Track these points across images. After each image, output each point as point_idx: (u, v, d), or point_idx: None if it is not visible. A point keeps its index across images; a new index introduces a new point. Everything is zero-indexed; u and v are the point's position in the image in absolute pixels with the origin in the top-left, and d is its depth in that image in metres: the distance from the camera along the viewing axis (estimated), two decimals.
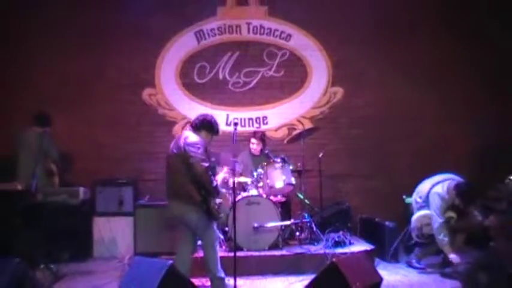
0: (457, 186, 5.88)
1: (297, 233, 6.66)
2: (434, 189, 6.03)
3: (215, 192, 5.02)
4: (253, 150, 7.12)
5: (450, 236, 5.92)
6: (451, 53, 8.07)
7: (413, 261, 6.29)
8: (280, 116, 8.25)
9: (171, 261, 4.48)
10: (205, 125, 5.19)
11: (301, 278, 5.61)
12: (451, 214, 5.97)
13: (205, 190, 4.93)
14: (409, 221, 6.93)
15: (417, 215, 6.21)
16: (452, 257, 5.84)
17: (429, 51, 8.09)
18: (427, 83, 8.04)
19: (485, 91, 7.93)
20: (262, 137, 7.18)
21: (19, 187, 6.36)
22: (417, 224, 6.18)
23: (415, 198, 6.36)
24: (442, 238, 5.88)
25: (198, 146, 4.97)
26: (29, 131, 6.68)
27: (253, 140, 7.09)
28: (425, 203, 6.13)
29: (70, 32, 7.93)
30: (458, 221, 5.99)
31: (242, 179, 6.61)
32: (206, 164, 4.94)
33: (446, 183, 5.98)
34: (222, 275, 5.09)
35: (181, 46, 8.23)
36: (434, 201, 5.97)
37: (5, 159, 6.97)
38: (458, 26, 8.06)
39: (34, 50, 7.84)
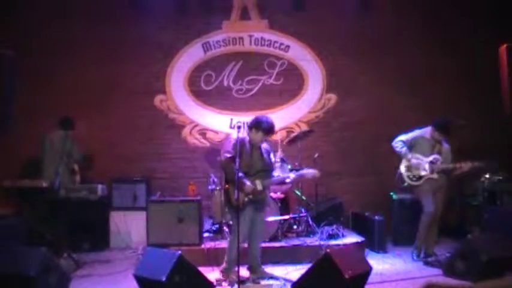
0: (434, 122, 6.06)
1: (295, 226, 6.69)
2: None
3: (236, 183, 4.90)
4: None
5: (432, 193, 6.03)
6: (433, 64, 8.09)
7: (420, 254, 6.13)
8: (280, 120, 8.19)
9: (180, 252, 4.53)
10: (254, 124, 5.18)
11: (298, 267, 5.65)
12: (436, 156, 6.03)
13: (228, 180, 5.06)
14: (396, 216, 7.04)
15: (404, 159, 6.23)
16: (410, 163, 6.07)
17: (413, 62, 8.11)
18: (411, 90, 8.07)
19: (465, 98, 7.94)
20: None
21: (44, 184, 6.41)
22: (406, 164, 6.18)
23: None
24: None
25: (230, 140, 5.16)
26: (54, 133, 6.73)
27: None
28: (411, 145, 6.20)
29: (91, 45, 7.98)
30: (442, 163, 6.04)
31: None
32: (228, 155, 5.01)
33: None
34: (226, 264, 5.21)
35: (190, 57, 8.27)
36: (412, 132, 6.21)
37: (33, 158, 7.06)
38: (441, 39, 8.10)
39: (60, 61, 7.88)
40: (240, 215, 5.01)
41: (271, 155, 5.48)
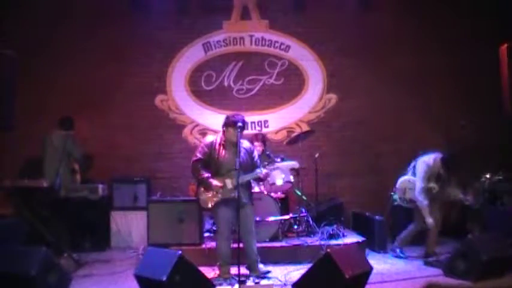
0: (443, 157, 5.91)
1: (295, 226, 6.68)
2: (422, 158, 6.05)
3: (200, 183, 5.26)
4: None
5: (429, 203, 5.94)
6: (433, 64, 8.11)
7: (397, 250, 6.34)
8: (280, 120, 8.28)
9: (180, 252, 4.53)
10: (224, 123, 5.37)
11: (298, 267, 5.63)
12: (433, 185, 5.98)
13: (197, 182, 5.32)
14: (395, 215, 7.02)
15: (403, 178, 6.20)
16: (429, 221, 5.87)
17: (413, 62, 8.12)
18: (409, 91, 8.08)
19: (464, 98, 7.97)
20: (263, 139, 7.21)
21: (44, 184, 6.41)
22: (401, 186, 6.17)
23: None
24: (422, 200, 5.91)
25: (202, 142, 5.43)
26: (54, 133, 6.75)
27: (256, 143, 7.03)
28: (412, 170, 6.15)
29: (93, 45, 7.99)
30: (438, 192, 5.98)
31: None
32: (193, 158, 5.26)
33: (434, 155, 6.00)
34: (218, 263, 5.29)
35: (190, 57, 8.27)
36: (420, 167, 6.00)
37: (33, 158, 7.06)
38: (440, 39, 8.11)
39: (61, 61, 7.89)
40: (214, 214, 5.34)
41: (255, 153, 5.49)
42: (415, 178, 6.05)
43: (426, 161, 5.98)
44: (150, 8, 8.09)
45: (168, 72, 8.23)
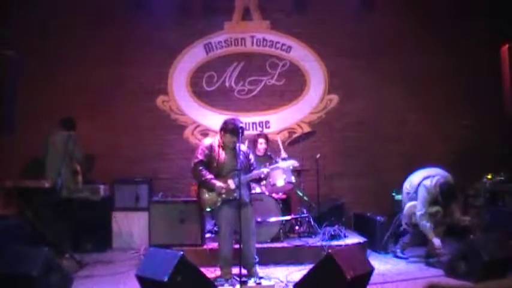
0: (441, 186, 5.90)
1: (297, 227, 6.68)
2: (424, 182, 6.04)
3: (203, 184, 5.26)
4: (258, 151, 7.05)
5: (434, 226, 5.96)
6: (434, 64, 8.09)
7: (398, 251, 6.37)
8: (281, 120, 8.27)
9: (182, 252, 4.53)
10: (221, 127, 5.37)
11: (300, 267, 5.64)
12: (438, 208, 5.99)
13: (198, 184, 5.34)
14: (397, 215, 7.02)
15: (409, 204, 6.20)
16: (435, 240, 5.87)
17: (414, 63, 8.10)
18: (412, 91, 8.08)
19: (463, 98, 7.98)
20: (266, 137, 7.22)
21: (46, 184, 6.42)
22: (408, 211, 6.19)
23: (405, 187, 6.34)
24: (424, 224, 5.91)
25: (200, 145, 5.43)
26: (56, 134, 6.75)
27: (260, 140, 7.05)
28: (415, 193, 6.13)
29: (94, 45, 7.98)
30: (442, 217, 6.02)
31: None
32: (195, 160, 5.26)
33: (435, 179, 5.97)
34: (219, 263, 5.28)
35: (192, 57, 8.26)
36: (421, 193, 5.99)
37: (35, 159, 7.08)
38: (441, 40, 8.09)
39: (62, 62, 7.87)
40: (215, 215, 5.33)
41: (251, 156, 5.54)
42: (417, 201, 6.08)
43: (427, 185, 5.99)
44: (151, 8, 8.06)
45: (170, 73, 8.23)
